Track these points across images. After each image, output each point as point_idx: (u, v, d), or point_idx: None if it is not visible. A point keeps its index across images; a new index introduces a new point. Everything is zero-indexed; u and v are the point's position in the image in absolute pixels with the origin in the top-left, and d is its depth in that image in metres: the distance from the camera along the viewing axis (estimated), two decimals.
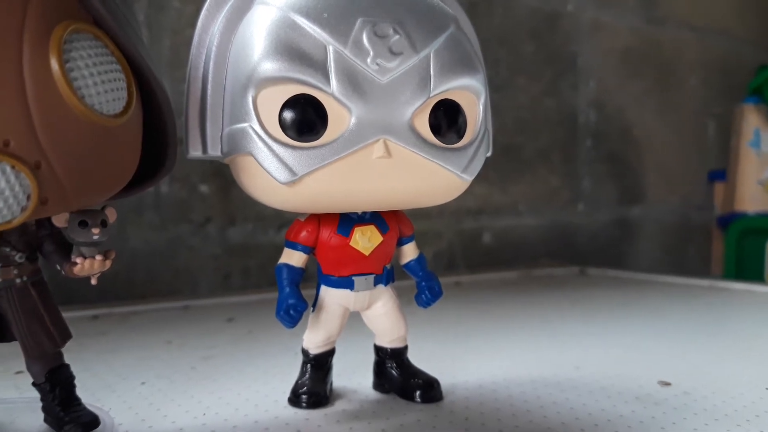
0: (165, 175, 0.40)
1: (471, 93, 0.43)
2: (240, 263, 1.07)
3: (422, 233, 1.24)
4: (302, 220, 0.46)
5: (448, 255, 1.31)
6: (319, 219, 0.45)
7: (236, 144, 0.40)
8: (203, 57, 0.43)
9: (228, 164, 0.45)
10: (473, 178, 0.44)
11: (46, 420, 0.40)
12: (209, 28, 0.43)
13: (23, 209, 0.31)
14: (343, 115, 0.39)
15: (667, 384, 0.50)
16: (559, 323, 0.72)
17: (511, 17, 1.37)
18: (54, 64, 0.31)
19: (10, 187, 0.30)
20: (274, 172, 0.39)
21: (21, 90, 0.30)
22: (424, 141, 0.41)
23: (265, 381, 0.51)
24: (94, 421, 0.39)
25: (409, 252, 0.49)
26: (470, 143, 0.43)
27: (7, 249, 0.37)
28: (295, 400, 0.46)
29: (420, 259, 0.49)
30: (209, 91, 0.42)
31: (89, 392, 0.48)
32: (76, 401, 0.40)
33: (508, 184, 1.38)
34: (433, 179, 0.42)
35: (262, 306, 0.84)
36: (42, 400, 0.40)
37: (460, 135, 0.42)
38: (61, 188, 0.32)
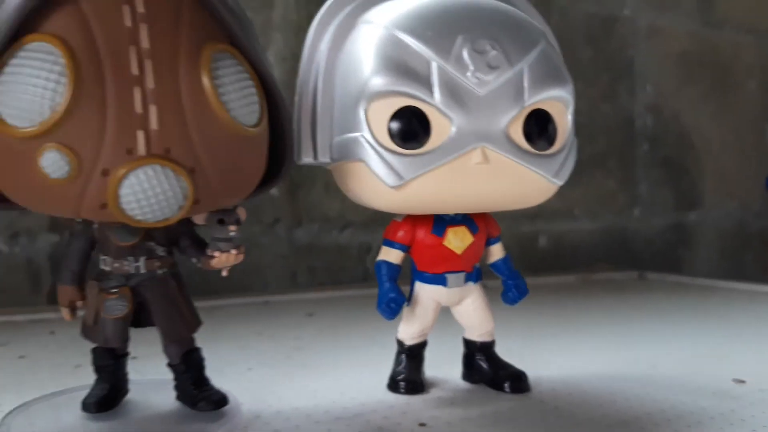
0: (283, 179, 0.45)
1: (561, 103, 0.46)
2: (306, 262, 1.12)
3: None
4: (399, 221, 0.50)
5: None
6: (414, 220, 0.49)
7: (348, 151, 0.44)
8: (313, 73, 0.47)
9: (331, 170, 0.49)
10: (563, 182, 0.47)
11: (178, 398, 0.45)
12: (318, 46, 0.48)
13: (180, 208, 0.36)
14: (445, 125, 0.43)
15: (742, 382, 0.52)
16: (627, 325, 0.74)
17: (568, 22, 1.39)
18: (206, 81, 0.35)
19: (171, 188, 0.35)
20: (384, 176, 0.43)
21: (179, 104, 0.34)
22: (519, 148, 0.44)
23: (359, 370, 0.55)
24: (224, 399, 0.44)
25: (496, 252, 0.52)
26: (560, 150, 0.46)
27: (152, 243, 0.41)
28: (394, 386, 0.50)
29: (506, 259, 0.52)
30: (319, 104, 0.47)
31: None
32: (207, 381, 0.44)
33: (564, 188, 1.39)
34: (526, 183, 0.45)
35: (337, 302, 0.88)
36: (175, 379, 0.44)
37: (551, 142, 0.46)
38: (211, 190, 0.37)
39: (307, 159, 0.47)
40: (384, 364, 0.53)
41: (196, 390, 0.43)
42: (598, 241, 1.44)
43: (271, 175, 0.44)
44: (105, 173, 0.34)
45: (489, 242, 0.52)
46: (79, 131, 0.33)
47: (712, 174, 1.58)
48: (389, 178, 0.43)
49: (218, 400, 0.43)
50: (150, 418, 0.42)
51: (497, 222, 0.52)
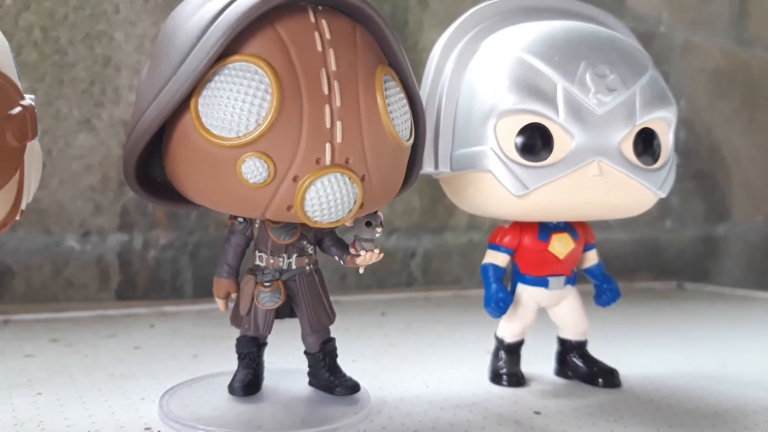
0: (412, 185, 0.49)
1: (665, 122, 0.50)
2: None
3: None
4: (506, 227, 0.54)
5: None
6: (521, 226, 0.53)
7: (473, 163, 0.49)
8: (437, 92, 0.52)
9: (443, 180, 0.54)
10: (666, 194, 0.51)
11: (312, 383, 0.49)
12: (442, 68, 0.52)
13: (350, 211, 0.40)
14: (566, 140, 0.47)
15: None
16: (679, 331, 0.79)
17: None
18: (379, 100, 0.40)
19: (348, 194, 0.39)
20: (510, 186, 0.48)
21: (358, 120, 0.39)
22: (630, 163, 0.48)
23: (453, 364, 0.59)
24: (357, 385, 0.48)
25: (592, 258, 0.56)
26: (664, 165, 0.51)
27: (304, 242, 0.46)
28: (497, 379, 0.54)
29: (600, 265, 0.57)
30: (442, 120, 0.51)
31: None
32: (340, 368, 0.49)
33: None
34: (635, 195, 0.50)
35: (399, 303, 0.93)
36: (311, 367, 0.49)
37: (656, 158, 0.50)
38: (373, 195, 0.41)
39: (428, 169, 0.52)
40: (472, 360, 0.58)
41: (332, 377, 0.48)
42: (631, 251, 1.48)
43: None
44: (295, 179, 0.38)
45: (586, 248, 0.56)
46: (279, 142, 0.37)
47: (741, 188, 1.63)
48: (515, 188, 0.47)
49: (353, 386, 0.48)
50: (292, 402, 0.46)
51: (592, 230, 0.57)
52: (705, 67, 1.57)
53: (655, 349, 0.68)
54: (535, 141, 0.47)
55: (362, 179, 0.40)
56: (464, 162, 0.50)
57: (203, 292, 1.00)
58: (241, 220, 0.46)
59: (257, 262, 0.46)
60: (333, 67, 0.38)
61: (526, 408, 0.48)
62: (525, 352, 0.57)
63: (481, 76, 0.50)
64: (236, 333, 0.48)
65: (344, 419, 0.43)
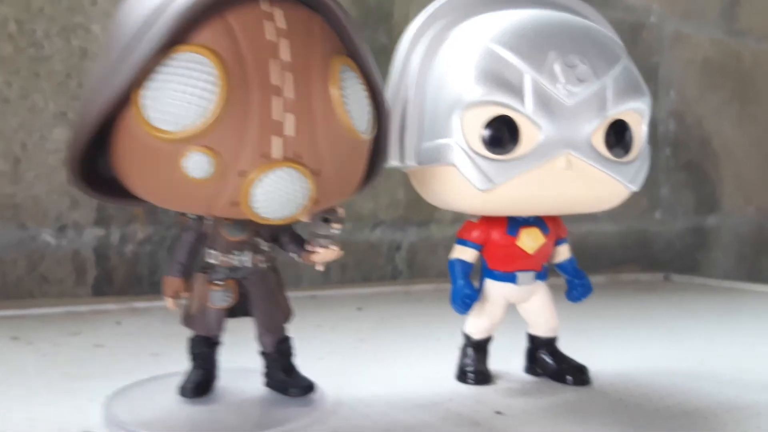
0: (375, 180, 0.47)
1: (638, 114, 0.49)
2: (338, 259, 1.15)
3: None
4: (474, 221, 0.52)
5: None
6: (489, 221, 0.52)
7: (438, 156, 0.47)
8: (404, 83, 0.50)
9: (410, 173, 0.52)
10: (638, 188, 0.50)
11: (268, 384, 0.47)
12: (410, 57, 0.50)
13: (302, 207, 0.39)
14: (534, 133, 0.46)
15: None
16: (662, 324, 0.77)
17: None
18: (334, 92, 0.38)
19: (299, 190, 0.38)
20: (475, 180, 0.46)
21: (311, 113, 0.37)
22: (600, 155, 0.47)
23: (421, 361, 0.58)
24: (312, 385, 0.47)
25: (563, 252, 0.55)
26: (636, 157, 0.49)
27: (258, 239, 0.44)
28: (463, 377, 0.53)
29: (572, 260, 0.55)
30: (409, 111, 0.49)
31: None
32: (295, 368, 0.47)
33: None
34: (605, 188, 0.48)
35: (378, 297, 0.91)
36: (267, 367, 0.47)
37: (628, 150, 0.48)
38: (328, 191, 0.39)
39: (394, 162, 0.50)
40: (443, 356, 0.56)
41: (287, 377, 0.46)
42: (620, 243, 1.47)
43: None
44: (241, 174, 0.36)
45: (557, 243, 0.54)
46: (224, 136, 0.35)
47: (732, 179, 1.61)
48: (480, 182, 0.46)
49: (307, 387, 0.46)
50: (244, 403, 0.45)
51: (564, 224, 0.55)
52: (695, 58, 1.55)
53: (633, 344, 0.67)
54: (502, 133, 0.46)
55: (315, 174, 0.38)
56: (430, 155, 0.48)
57: None
58: (192, 216, 0.44)
59: (209, 259, 0.44)
60: (286, 57, 0.36)
61: (489, 408, 0.47)
62: (495, 349, 0.55)
63: (448, 67, 0.48)
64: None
65: (295, 422, 0.42)
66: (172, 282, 0.45)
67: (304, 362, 0.56)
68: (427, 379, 0.53)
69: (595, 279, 1.16)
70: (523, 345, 0.56)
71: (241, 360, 0.53)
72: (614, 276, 1.21)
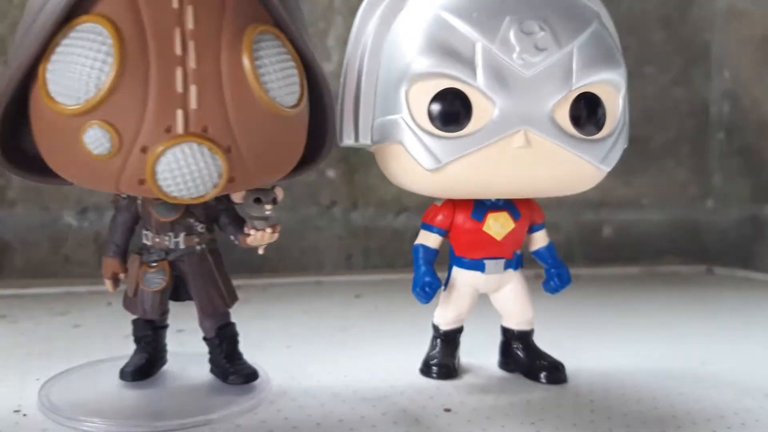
0: (323, 160, 0.45)
1: (611, 86, 0.44)
2: (361, 244, 1.13)
3: None
4: (439, 204, 0.49)
5: (566, 247, 1.30)
6: (454, 204, 0.48)
7: (387, 133, 0.44)
8: (359, 53, 0.47)
9: (374, 152, 0.49)
10: (610, 169, 0.45)
11: (212, 371, 0.46)
12: (365, 27, 0.47)
13: (215, 186, 0.37)
14: (487, 108, 0.42)
15: None
16: (686, 320, 0.71)
17: (641, 4, 1.33)
18: (246, 62, 0.36)
19: (207, 166, 0.35)
20: (421, 159, 0.43)
21: (219, 84, 0.35)
22: (564, 132, 0.43)
23: (398, 352, 0.55)
24: (254, 373, 0.45)
25: (540, 239, 0.51)
26: (609, 135, 0.44)
27: (191, 220, 0.43)
28: (426, 370, 0.50)
29: (550, 247, 0.51)
30: (363, 85, 0.46)
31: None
32: (239, 356, 0.46)
33: (631, 177, 1.34)
34: (571, 169, 0.44)
35: (384, 285, 0.88)
36: (210, 353, 0.46)
37: (600, 127, 0.44)
38: (246, 169, 0.37)
39: (348, 141, 0.47)
40: (422, 348, 0.52)
41: (228, 364, 0.45)
42: (667, 232, 1.38)
43: (313, 156, 0.45)
44: (144, 150, 0.35)
45: (532, 229, 0.50)
46: (121, 109, 0.34)
47: None
48: (426, 161, 0.43)
49: (248, 374, 0.44)
50: (182, 389, 0.44)
51: (542, 209, 0.51)
52: (752, 35, 1.43)
53: (637, 340, 0.61)
54: (450, 108, 0.42)
55: (227, 150, 0.36)
56: (381, 133, 0.45)
57: None
58: (124, 196, 0.43)
59: (144, 240, 0.43)
60: (190, 25, 0.34)
61: (439, 404, 0.44)
62: (475, 342, 0.52)
63: (398, 36, 0.45)
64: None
65: (222, 411, 0.40)
66: (109, 263, 0.44)
67: (270, 349, 0.55)
68: (390, 372, 0.50)
69: (629, 270, 1.11)
70: None
71: (198, 345, 0.52)
72: (651, 268, 1.14)
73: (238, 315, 0.64)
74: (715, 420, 0.42)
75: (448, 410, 0.43)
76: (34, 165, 0.41)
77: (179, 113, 0.34)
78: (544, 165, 0.43)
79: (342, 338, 0.59)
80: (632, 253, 1.33)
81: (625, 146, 0.49)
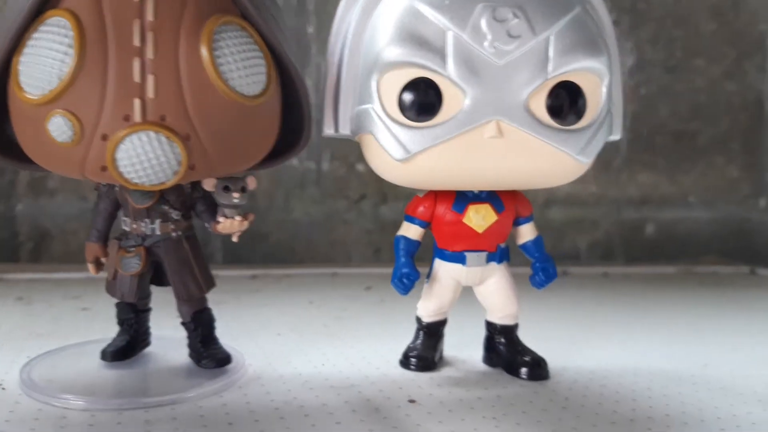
0: (300, 150, 0.45)
1: (594, 75, 0.43)
2: (390, 239, 1.13)
3: (576, 221, 1.21)
4: (421, 195, 0.49)
5: (605, 246, 1.26)
6: (436, 195, 0.48)
7: (361, 124, 0.44)
8: (340, 44, 0.47)
9: (358, 142, 0.49)
10: (590, 160, 0.44)
11: (189, 355, 0.47)
12: (346, 17, 0.47)
13: (175, 173, 0.38)
14: (458, 97, 0.41)
15: None
16: (706, 321, 0.68)
17: None
18: (204, 52, 0.36)
19: (164, 154, 0.37)
20: (390, 149, 0.42)
21: (177, 74, 0.36)
22: (539, 122, 0.42)
23: (386, 344, 0.55)
24: (227, 358, 0.46)
25: (526, 233, 0.49)
26: (589, 125, 0.43)
27: (166, 207, 0.44)
28: (405, 362, 0.50)
29: (536, 241, 0.50)
30: (343, 76, 0.46)
31: (232, 337, 0.54)
32: (215, 341, 0.47)
33: (677, 174, 1.29)
34: (548, 160, 0.43)
35: None
36: (188, 337, 0.47)
37: (580, 117, 0.43)
38: (207, 157, 0.38)
39: (328, 131, 0.47)
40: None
41: (203, 348, 0.46)
42: (715, 232, 1.32)
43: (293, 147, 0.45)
44: (104, 138, 0.36)
45: (518, 222, 0.49)
46: (82, 98, 0.36)
47: None
48: (396, 151, 0.42)
49: (221, 359, 0.45)
50: (157, 370, 0.46)
51: (529, 201, 0.50)
52: None
53: (645, 341, 0.59)
54: (421, 98, 0.42)
55: (186, 139, 0.37)
56: (356, 123, 0.45)
57: (233, 258, 1.01)
58: (104, 183, 0.44)
59: (123, 226, 0.45)
60: (150, 17, 0.36)
61: (405, 395, 0.43)
62: (464, 335, 0.52)
63: (375, 27, 0.44)
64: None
65: (191, 392, 0.41)
66: (91, 247, 0.46)
67: (261, 336, 0.56)
68: (370, 363, 0.50)
69: (666, 269, 1.07)
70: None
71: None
72: (689, 267, 1.09)
73: (241, 303, 0.66)
74: (693, 423, 0.40)
75: (412, 401, 0.43)
76: (21, 153, 0.44)
77: (136, 102, 0.36)
78: (519, 156, 0.42)
79: (335, 329, 0.60)
80: (676, 253, 1.27)
81: (617, 137, 0.47)
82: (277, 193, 1.07)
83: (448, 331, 0.53)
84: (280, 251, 1.08)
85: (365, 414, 0.40)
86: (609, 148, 1.34)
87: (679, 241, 1.29)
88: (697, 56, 1.28)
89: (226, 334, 0.54)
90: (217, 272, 0.83)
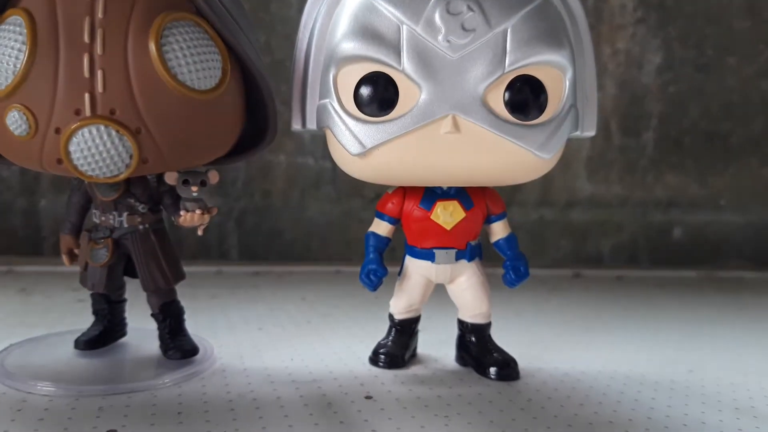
0: (266, 146, 0.46)
1: (555, 68, 0.42)
2: (403, 237, 1.12)
3: (599, 223, 1.18)
4: (390, 192, 0.48)
5: (630, 249, 1.23)
6: (405, 192, 0.48)
7: (321, 118, 0.44)
8: (306, 40, 0.47)
9: None
10: (552, 156, 0.43)
11: (160, 346, 0.48)
12: (313, 13, 0.47)
13: (127, 166, 0.39)
14: (413, 92, 0.41)
15: None
16: (711, 327, 0.65)
17: None
18: (152, 47, 0.37)
19: (114, 147, 0.38)
20: (347, 144, 0.42)
21: (125, 69, 0.37)
22: (497, 117, 0.41)
23: (363, 341, 0.55)
24: (193, 349, 0.46)
25: (498, 231, 0.49)
26: (550, 120, 0.42)
27: (132, 200, 0.45)
28: (374, 359, 0.49)
29: (509, 239, 0.49)
30: (310, 71, 0.46)
31: (212, 330, 0.55)
32: (183, 332, 0.47)
33: (708, 175, 1.25)
34: (506, 156, 0.42)
35: None
36: (158, 329, 0.48)
37: (540, 111, 0.42)
38: (159, 150, 0.39)
39: (296, 126, 0.47)
40: None
41: (171, 339, 0.46)
42: (747, 236, 1.27)
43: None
44: (57, 131, 0.37)
45: (490, 219, 0.48)
46: (35, 93, 0.37)
47: None
48: (352, 146, 0.42)
49: (187, 350, 0.46)
50: (124, 360, 0.47)
51: (501, 199, 0.49)
52: None
53: (630, 345, 0.57)
54: (376, 93, 0.42)
55: (136, 132, 0.38)
56: (318, 117, 0.45)
57: (248, 256, 1.03)
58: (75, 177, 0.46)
59: (93, 219, 0.46)
60: (100, 15, 0.37)
61: (363, 392, 0.43)
62: (442, 332, 0.52)
63: (335, 23, 0.45)
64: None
65: (148, 381, 0.42)
66: (64, 239, 0.47)
67: (241, 330, 0.57)
68: (340, 359, 0.50)
69: (687, 274, 1.03)
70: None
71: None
72: (711, 272, 1.06)
73: (235, 298, 0.67)
74: (657, 429, 0.39)
75: (369, 398, 0.42)
76: None
77: (86, 97, 0.37)
78: (476, 151, 0.42)
79: (316, 325, 0.60)
80: (705, 257, 1.23)
81: (590, 134, 0.46)
82: (293, 192, 1.08)
83: (428, 329, 0.53)
84: (295, 249, 1.09)
85: (316, 409, 0.40)
86: (634, 148, 1.30)
87: (709, 245, 1.25)
88: (729, 54, 1.23)
89: (207, 327, 0.55)
90: (222, 268, 0.86)
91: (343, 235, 1.11)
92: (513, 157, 0.42)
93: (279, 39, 1.00)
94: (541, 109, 0.42)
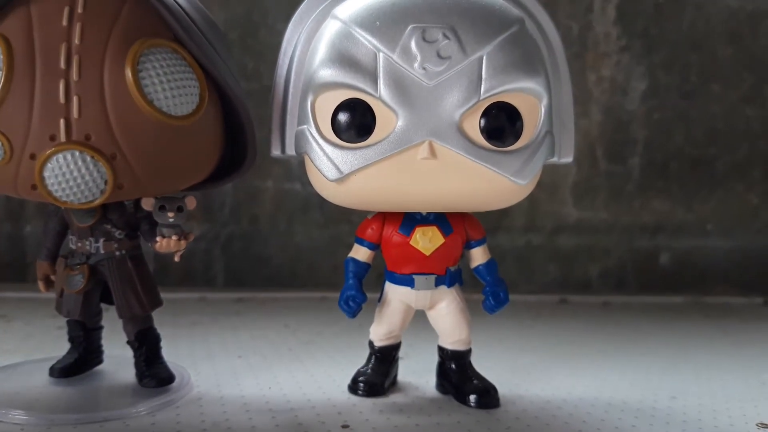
0: (245, 172, 0.46)
1: (530, 95, 0.42)
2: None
3: (587, 248, 1.19)
4: (370, 217, 0.48)
5: (618, 274, 1.23)
6: (384, 217, 0.48)
7: (299, 144, 0.44)
8: (286, 66, 0.47)
9: None
10: (527, 182, 0.43)
11: (135, 374, 0.47)
12: (293, 39, 0.48)
13: (102, 192, 0.39)
14: (390, 118, 0.41)
15: (766, 426, 0.44)
16: (696, 353, 0.65)
17: (705, 18, 1.25)
18: (128, 73, 0.37)
19: (89, 173, 0.38)
20: (324, 170, 0.43)
21: (101, 95, 0.37)
22: (473, 143, 0.41)
23: (344, 369, 0.54)
24: (169, 377, 0.46)
25: (478, 256, 0.49)
26: (526, 146, 0.42)
27: (109, 226, 0.45)
28: (353, 387, 0.49)
29: (488, 264, 0.49)
30: (289, 97, 0.47)
31: (191, 358, 0.55)
32: (159, 360, 0.47)
33: (694, 201, 1.26)
34: (483, 182, 0.42)
35: None
36: (133, 356, 0.47)
37: (516, 138, 0.42)
38: (135, 176, 0.39)
39: (276, 152, 0.47)
40: None
41: (146, 367, 0.46)
42: (734, 261, 1.27)
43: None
44: (32, 157, 0.37)
45: (470, 245, 0.48)
46: (11, 118, 0.37)
47: None
48: (329, 172, 0.42)
49: (162, 378, 0.46)
50: (99, 388, 0.46)
51: (481, 224, 0.49)
52: None
53: (614, 372, 0.56)
54: (353, 119, 0.42)
55: (112, 158, 0.38)
56: (297, 144, 0.45)
57: (235, 282, 1.02)
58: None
59: (70, 245, 0.46)
60: (76, 41, 0.37)
61: (341, 420, 0.43)
62: (424, 360, 0.51)
63: (313, 50, 0.45)
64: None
65: (122, 410, 0.42)
66: (41, 265, 0.47)
67: (220, 358, 0.56)
68: (320, 387, 0.50)
69: (674, 300, 1.03)
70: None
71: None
72: (698, 298, 1.06)
73: (216, 325, 0.67)
74: None
75: (345, 426, 0.42)
76: None
77: (62, 122, 0.37)
78: (453, 178, 0.42)
79: (298, 352, 0.59)
80: (692, 282, 1.23)
81: (567, 160, 0.46)
82: (280, 218, 1.08)
83: (410, 356, 0.53)
84: (282, 275, 1.09)
85: None
86: (620, 174, 1.31)
87: (696, 270, 1.25)
88: (713, 81, 1.25)
89: (186, 355, 0.55)
90: (206, 295, 0.85)
91: (331, 261, 1.11)
92: (489, 183, 0.42)
93: (268, 65, 1.00)
94: (517, 135, 0.42)
